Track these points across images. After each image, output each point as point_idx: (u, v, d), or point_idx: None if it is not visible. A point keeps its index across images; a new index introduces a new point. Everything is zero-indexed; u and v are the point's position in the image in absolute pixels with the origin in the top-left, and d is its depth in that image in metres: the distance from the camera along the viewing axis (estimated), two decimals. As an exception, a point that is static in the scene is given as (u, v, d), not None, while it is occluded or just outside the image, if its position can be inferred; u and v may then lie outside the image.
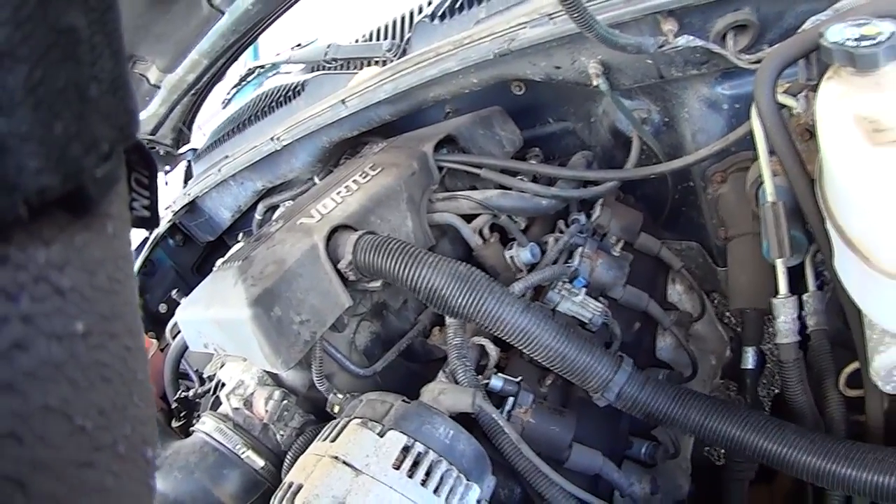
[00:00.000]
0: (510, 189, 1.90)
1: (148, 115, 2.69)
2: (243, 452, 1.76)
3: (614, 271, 1.87)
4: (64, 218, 0.39)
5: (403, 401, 1.50)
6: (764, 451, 1.50)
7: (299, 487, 1.33)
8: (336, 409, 1.67)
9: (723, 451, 2.07)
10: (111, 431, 0.42)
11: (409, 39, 2.33)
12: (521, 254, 1.84)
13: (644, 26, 1.62)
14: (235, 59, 2.46)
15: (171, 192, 3.22)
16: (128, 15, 2.04)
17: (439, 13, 2.15)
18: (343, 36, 2.86)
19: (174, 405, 2.36)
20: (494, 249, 1.89)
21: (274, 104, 2.71)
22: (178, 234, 3.12)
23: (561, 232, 1.92)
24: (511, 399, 1.61)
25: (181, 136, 2.91)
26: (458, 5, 2.09)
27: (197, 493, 1.74)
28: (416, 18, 2.31)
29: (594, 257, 1.86)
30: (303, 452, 1.47)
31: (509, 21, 1.82)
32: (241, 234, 2.80)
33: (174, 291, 2.81)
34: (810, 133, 1.45)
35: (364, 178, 1.83)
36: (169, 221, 3.00)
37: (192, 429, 1.88)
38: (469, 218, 1.92)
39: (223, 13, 2.12)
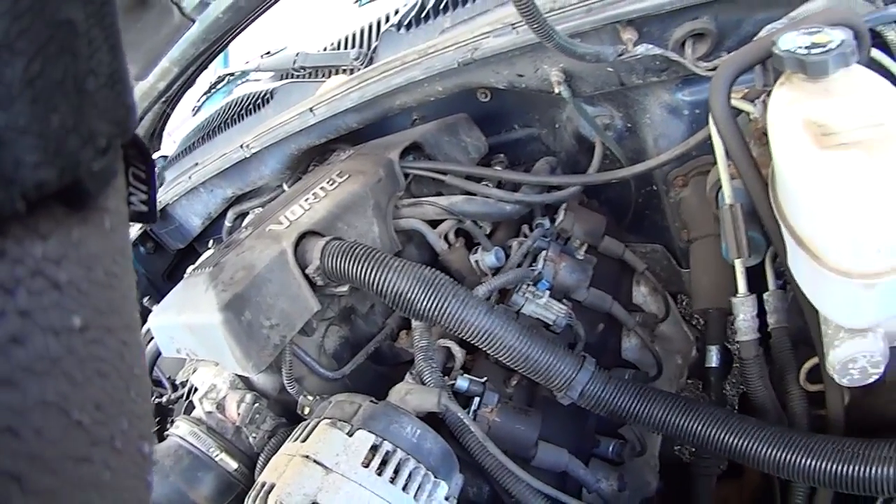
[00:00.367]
0: (475, 195, 1.94)
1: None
2: (217, 455, 1.79)
3: (578, 274, 1.92)
4: (61, 212, 0.39)
5: (371, 401, 1.54)
6: (725, 445, 1.55)
7: (272, 487, 1.37)
8: (306, 410, 1.71)
9: (692, 448, 2.11)
10: (108, 426, 0.42)
11: (375, 48, 2.37)
12: (486, 258, 1.89)
13: (604, 35, 1.67)
14: (206, 66, 2.48)
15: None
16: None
17: (405, 23, 2.19)
18: (311, 44, 2.89)
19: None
20: (460, 254, 1.94)
21: (243, 112, 2.74)
22: (149, 242, 3.14)
23: (525, 236, 1.97)
24: (477, 399, 1.66)
25: (151, 143, 2.92)
26: (423, 15, 2.13)
27: (172, 496, 1.76)
28: (383, 28, 2.35)
29: (558, 260, 1.90)
30: (275, 454, 1.51)
31: (473, 31, 1.87)
32: (211, 241, 2.82)
33: (145, 299, 2.83)
34: (767, 137, 1.49)
35: (331, 185, 1.87)
36: (140, 229, 3.01)
37: (166, 433, 1.91)
38: (435, 223, 1.96)
39: (194, 21, 2.14)
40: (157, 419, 2.37)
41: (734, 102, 1.46)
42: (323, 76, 2.71)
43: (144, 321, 2.08)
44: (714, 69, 1.58)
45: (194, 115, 3.56)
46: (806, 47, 1.18)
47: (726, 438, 1.54)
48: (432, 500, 1.44)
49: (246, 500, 1.41)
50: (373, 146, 2.14)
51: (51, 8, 0.35)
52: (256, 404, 1.81)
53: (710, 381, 1.96)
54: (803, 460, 1.47)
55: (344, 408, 1.52)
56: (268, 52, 3.15)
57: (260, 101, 2.69)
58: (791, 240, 1.27)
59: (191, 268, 2.11)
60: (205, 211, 2.84)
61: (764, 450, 1.51)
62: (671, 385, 2.14)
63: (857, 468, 1.41)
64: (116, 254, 0.44)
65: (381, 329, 1.95)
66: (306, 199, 1.83)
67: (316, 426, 1.48)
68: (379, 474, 1.39)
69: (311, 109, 2.13)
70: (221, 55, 2.68)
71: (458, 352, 1.76)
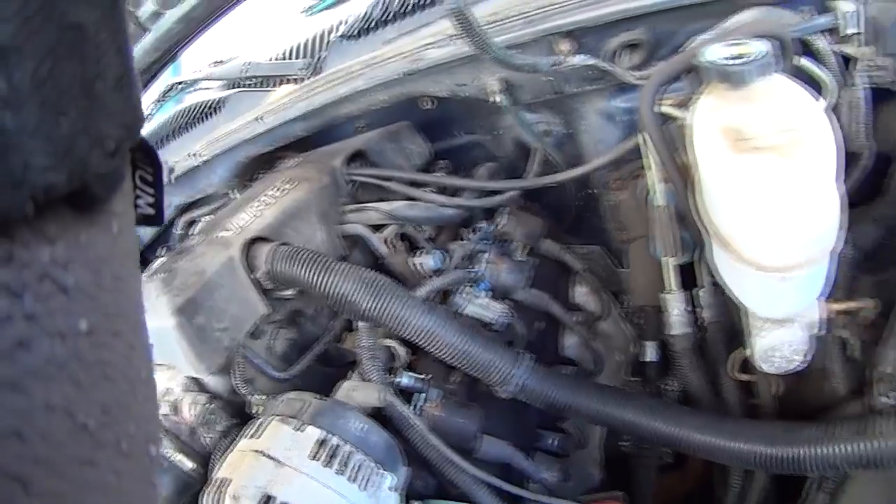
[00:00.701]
0: (417, 200, 2.02)
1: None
2: (173, 456, 1.83)
3: (516, 275, 2.00)
4: (69, 215, 0.39)
5: (319, 398, 1.61)
6: (658, 433, 1.65)
7: (228, 482, 1.43)
8: (257, 409, 1.75)
9: (631, 440, 2.19)
10: (114, 429, 0.42)
11: (322, 58, 2.42)
12: (427, 261, 1.96)
13: (542, 46, 1.75)
14: (158, 75, 2.52)
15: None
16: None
17: (351, 33, 2.24)
18: (261, 54, 2.92)
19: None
20: (402, 257, 2.01)
21: (194, 120, 2.77)
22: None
23: (466, 240, 2.04)
24: (420, 395, 1.73)
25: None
26: (369, 26, 2.19)
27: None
28: (330, 38, 2.40)
29: (497, 262, 1.98)
30: (229, 452, 1.56)
31: (415, 42, 1.94)
32: (163, 249, 2.85)
33: None
34: (694, 142, 1.58)
35: (278, 192, 1.93)
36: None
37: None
38: (378, 228, 2.03)
39: (148, 31, 2.18)
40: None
41: (666, 109, 1.54)
42: (272, 85, 2.75)
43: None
44: (645, 78, 1.66)
45: (146, 122, 3.57)
46: (729, 58, 1.26)
47: (658, 426, 1.64)
48: (379, 490, 1.52)
49: (202, 496, 1.47)
50: (319, 154, 2.21)
51: (60, 11, 0.36)
52: (210, 406, 1.86)
53: (648, 375, 2.05)
54: (732, 444, 1.56)
55: (293, 405, 1.59)
56: (218, 62, 3.18)
57: (210, 109, 2.73)
58: (712, 238, 1.35)
59: (144, 275, 2.16)
60: (155, 219, 2.87)
61: (694, 436, 1.60)
62: (613, 381, 2.23)
63: (784, 450, 1.50)
64: (123, 257, 0.45)
65: (326, 331, 2.02)
66: (254, 207, 1.89)
67: (267, 423, 1.54)
68: (327, 466, 1.46)
69: (259, 118, 2.19)
70: (173, 64, 2.71)
71: (401, 351, 1.83)
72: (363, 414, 1.60)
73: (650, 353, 2.03)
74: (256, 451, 1.47)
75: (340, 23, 2.37)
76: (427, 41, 1.90)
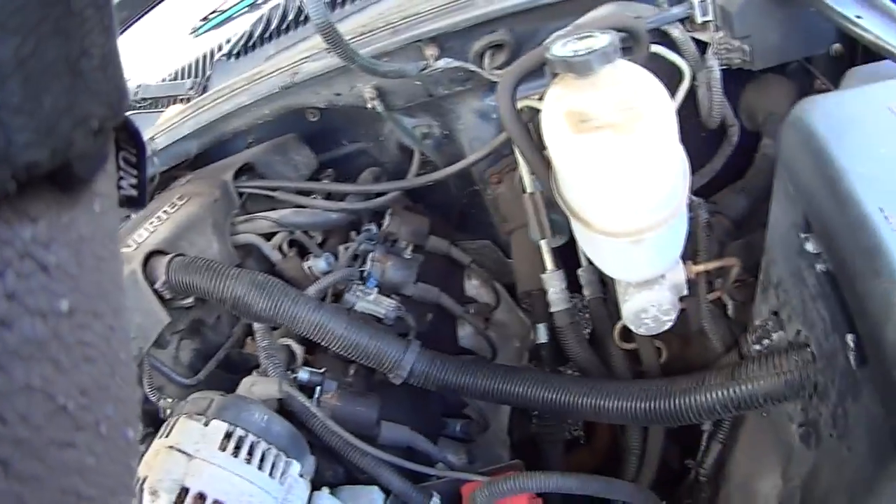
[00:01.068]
0: (304, 207, 2.15)
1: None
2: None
3: (404, 271, 2.13)
4: (51, 194, 0.39)
5: (222, 395, 1.73)
6: (546, 401, 1.77)
7: (145, 478, 1.53)
8: (167, 411, 1.85)
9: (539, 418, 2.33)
10: (93, 412, 0.42)
11: (209, 77, 2.52)
12: (317, 263, 2.08)
13: (410, 53, 1.89)
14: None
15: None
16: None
17: (235, 52, 2.35)
18: (152, 76, 2.99)
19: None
20: (293, 262, 2.13)
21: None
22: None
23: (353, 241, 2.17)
24: (318, 388, 1.85)
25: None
26: (251, 43, 2.29)
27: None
28: (216, 57, 2.50)
29: (384, 260, 2.10)
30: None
31: (293, 56, 2.07)
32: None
33: None
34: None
35: (172, 208, 2.03)
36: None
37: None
38: (269, 236, 2.16)
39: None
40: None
41: (531, 103, 1.69)
42: (163, 106, 2.84)
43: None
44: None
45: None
46: (575, 50, 1.36)
47: (546, 395, 1.76)
48: (286, 476, 1.65)
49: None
50: (209, 170, 2.29)
51: None
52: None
53: (542, 356, 2.20)
54: (615, 403, 1.68)
55: (199, 403, 1.70)
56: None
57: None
58: (569, 214, 1.50)
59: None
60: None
61: (580, 400, 1.73)
62: (513, 368, 2.36)
63: (662, 402, 1.62)
64: (105, 238, 0.44)
65: (229, 338, 2.13)
66: (151, 223, 1.98)
67: (176, 422, 1.65)
68: (235, 456, 1.58)
69: (152, 138, 2.27)
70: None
71: (298, 348, 1.95)
72: (265, 407, 1.72)
73: (542, 334, 2.16)
74: (168, 447, 1.58)
75: (226, 42, 2.47)
76: (304, 55, 2.03)
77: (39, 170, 0.36)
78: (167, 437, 1.62)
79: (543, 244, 1.90)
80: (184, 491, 1.49)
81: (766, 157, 1.92)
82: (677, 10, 1.75)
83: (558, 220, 1.81)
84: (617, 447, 2.30)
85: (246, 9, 2.65)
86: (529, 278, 2.11)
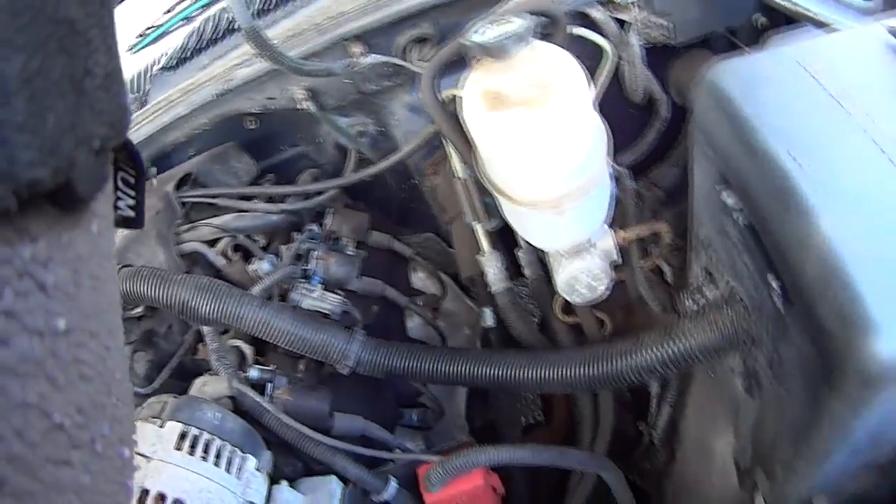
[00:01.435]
0: (245, 212, 2.23)
1: None
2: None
3: (347, 267, 2.19)
4: (51, 213, 0.39)
5: (175, 397, 1.78)
6: (490, 377, 1.83)
7: (104, 484, 1.58)
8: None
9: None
10: (89, 430, 0.42)
11: (148, 92, 2.56)
12: (261, 265, 2.15)
13: (338, 52, 1.95)
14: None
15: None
16: None
17: (171, 64, 2.39)
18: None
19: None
20: (238, 267, 2.20)
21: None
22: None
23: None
24: (269, 384, 1.93)
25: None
26: (185, 55, 2.33)
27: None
28: (153, 72, 2.54)
29: (327, 257, 2.16)
30: None
31: (226, 64, 2.12)
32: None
33: None
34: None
35: (117, 221, 2.07)
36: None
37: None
38: (213, 243, 2.23)
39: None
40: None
41: (456, 92, 1.73)
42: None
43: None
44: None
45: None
46: (492, 35, 1.43)
47: (490, 372, 1.83)
48: (243, 471, 1.73)
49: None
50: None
51: (51, 6, 0.36)
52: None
53: (490, 339, 2.27)
54: (557, 372, 1.74)
55: (154, 407, 1.77)
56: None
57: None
58: (493, 191, 1.57)
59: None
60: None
61: (523, 372, 1.79)
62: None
63: (603, 366, 1.67)
64: (102, 258, 0.45)
65: (181, 346, 2.19)
66: (98, 238, 2.03)
67: (132, 426, 1.70)
68: (191, 455, 1.66)
69: (95, 155, 2.32)
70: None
71: (248, 348, 2.03)
72: (218, 405, 1.78)
73: (488, 318, 2.25)
74: (126, 451, 1.63)
75: (162, 56, 2.51)
76: (236, 62, 2.09)
77: (41, 188, 0.37)
78: (125, 442, 1.68)
79: (478, 227, 1.98)
80: (144, 493, 1.56)
81: (694, 129, 2.01)
82: (595, -7, 1.84)
83: (492, 203, 1.87)
84: (574, 423, 2.36)
85: (181, 22, 2.68)
86: (471, 264, 2.17)
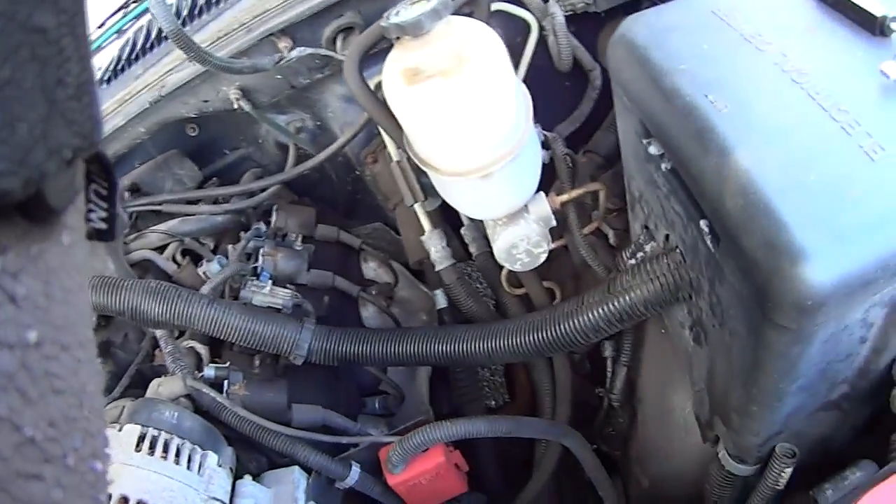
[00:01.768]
0: (189, 216, 2.27)
1: None
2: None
3: (295, 261, 2.21)
4: (21, 224, 0.39)
5: (132, 401, 1.79)
6: (441, 354, 1.89)
7: (66, 493, 1.60)
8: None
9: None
10: (61, 444, 0.42)
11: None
12: (211, 267, 2.18)
13: (266, 48, 1.98)
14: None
15: None
16: None
17: (105, 77, 2.41)
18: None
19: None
20: (189, 270, 2.23)
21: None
22: None
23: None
24: (226, 381, 1.94)
25: None
26: (119, 67, 2.35)
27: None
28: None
29: (274, 253, 2.18)
30: None
31: (159, 71, 2.15)
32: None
33: None
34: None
35: (66, 237, 2.09)
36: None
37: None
38: (162, 249, 2.26)
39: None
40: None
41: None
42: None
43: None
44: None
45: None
46: (408, 14, 1.46)
47: (440, 348, 1.88)
48: (205, 468, 1.76)
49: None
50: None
51: (22, 14, 0.35)
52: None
53: (443, 320, 2.32)
54: (505, 342, 1.79)
55: (111, 413, 1.82)
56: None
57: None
58: (420, 164, 1.61)
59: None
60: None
61: (472, 346, 1.84)
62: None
63: (548, 331, 1.72)
64: (73, 270, 0.45)
65: (138, 354, 2.21)
66: (44, 252, 2.04)
67: (91, 434, 1.72)
68: (151, 455, 1.68)
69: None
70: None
71: (202, 348, 2.06)
72: (175, 405, 1.80)
73: (440, 300, 2.31)
74: (87, 459, 1.66)
75: (97, 70, 2.52)
76: (168, 68, 2.12)
77: (11, 199, 0.36)
78: (84, 450, 1.70)
79: (418, 207, 2.01)
80: (107, 497, 1.56)
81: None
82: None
83: (429, 183, 1.89)
84: (536, 400, 2.39)
85: (114, 36, 2.70)
86: (417, 248, 2.21)
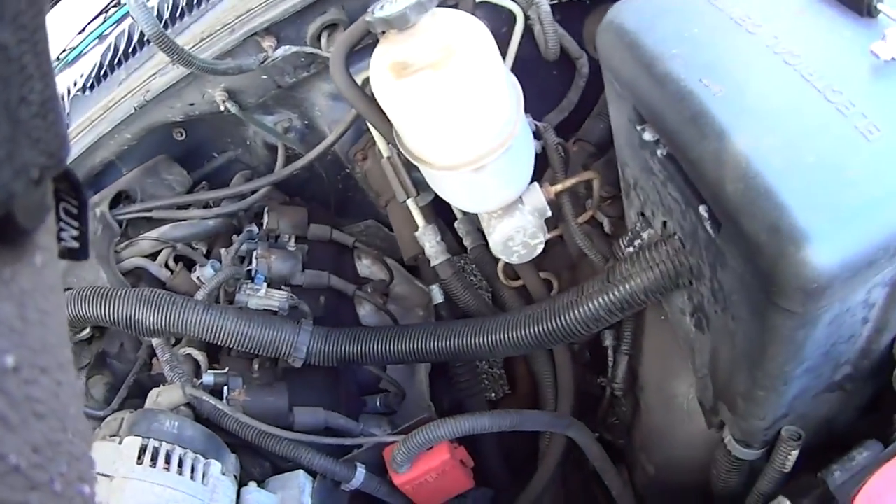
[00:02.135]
0: (181, 221, 2.26)
1: None
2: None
3: (289, 262, 2.21)
4: None
5: (132, 412, 1.79)
6: (440, 350, 1.89)
7: (70, 509, 1.59)
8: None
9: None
10: (46, 469, 0.41)
11: (68, 115, 2.56)
12: (205, 272, 2.19)
13: (251, 48, 1.98)
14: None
15: None
16: None
17: (88, 84, 2.39)
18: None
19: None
20: (183, 276, 2.23)
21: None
22: None
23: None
24: (226, 388, 1.94)
25: None
26: (102, 73, 2.34)
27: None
28: (71, 94, 2.54)
29: (268, 255, 2.18)
30: None
31: (143, 76, 2.14)
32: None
33: None
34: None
35: (56, 248, 2.09)
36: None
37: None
38: (154, 256, 2.25)
39: None
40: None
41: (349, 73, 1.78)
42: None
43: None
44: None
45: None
46: (392, 8, 1.46)
47: (440, 344, 1.88)
48: (208, 477, 1.75)
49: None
50: (85, 204, 2.36)
51: None
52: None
53: (441, 315, 2.31)
54: (506, 336, 1.79)
55: (111, 425, 1.79)
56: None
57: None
58: (412, 160, 1.61)
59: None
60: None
61: (473, 340, 1.83)
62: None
63: (549, 323, 1.71)
64: (48, 291, 0.44)
65: (135, 363, 2.20)
66: (37, 265, 2.04)
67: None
68: (153, 467, 1.66)
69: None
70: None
71: (200, 355, 2.04)
72: (175, 414, 1.79)
73: (437, 295, 2.30)
74: (88, 475, 1.65)
75: (80, 77, 2.51)
76: (152, 72, 2.11)
77: None
78: (85, 466, 1.69)
79: (411, 203, 2.01)
80: (97, 520, 1.55)
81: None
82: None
83: (421, 178, 1.90)
84: (537, 390, 2.38)
85: (95, 41, 2.68)
86: (411, 244, 2.21)
